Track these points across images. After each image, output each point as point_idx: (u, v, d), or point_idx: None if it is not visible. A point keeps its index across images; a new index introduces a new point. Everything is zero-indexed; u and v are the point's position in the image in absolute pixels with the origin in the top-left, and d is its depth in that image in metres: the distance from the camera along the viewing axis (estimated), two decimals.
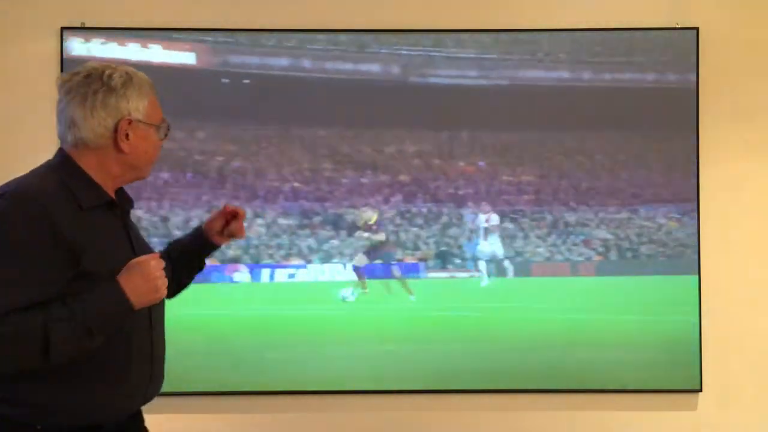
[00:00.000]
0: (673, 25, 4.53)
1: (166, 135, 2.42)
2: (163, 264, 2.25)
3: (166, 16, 4.50)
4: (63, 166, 2.30)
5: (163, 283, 2.24)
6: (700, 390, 4.48)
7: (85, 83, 2.28)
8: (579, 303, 4.66)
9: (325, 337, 4.55)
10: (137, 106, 2.32)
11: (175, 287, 2.71)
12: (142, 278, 2.20)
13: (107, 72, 2.30)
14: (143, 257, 2.24)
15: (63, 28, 4.44)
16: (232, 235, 2.74)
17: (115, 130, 2.29)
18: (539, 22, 4.56)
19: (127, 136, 2.30)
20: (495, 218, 4.64)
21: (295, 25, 4.54)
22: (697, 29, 4.51)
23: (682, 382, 4.49)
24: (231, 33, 4.56)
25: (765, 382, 4.54)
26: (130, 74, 2.33)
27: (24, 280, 2.13)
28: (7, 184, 2.25)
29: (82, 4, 4.47)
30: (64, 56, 4.40)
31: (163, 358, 2.47)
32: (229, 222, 2.71)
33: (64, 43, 4.42)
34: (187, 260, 2.73)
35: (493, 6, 4.57)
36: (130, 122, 2.30)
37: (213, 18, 4.51)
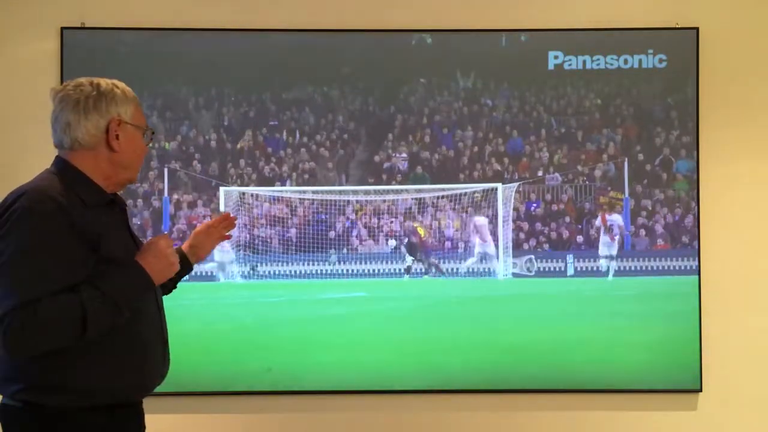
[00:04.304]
0: (673, 25, 4.53)
1: (150, 140, 2.66)
2: (172, 242, 2.56)
3: (166, 16, 4.50)
4: (63, 170, 2.51)
5: (175, 258, 2.52)
6: (700, 390, 4.48)
7: (77, 90, 2.51)
8: (579, 302, 4.66)
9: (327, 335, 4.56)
10: (125, 109, 2.55)
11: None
12: (156, 256, 2.48)
13: (95, 81, 2.54)
14: (153, 238, 2.53)
15: (63, 28, 4.44)
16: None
17: (107, 130, 2.51)
18: (538, 23, 4.57)
19: (117, 136, 2.53)
20: None
21: (295, 25, 4.54)
22: (697, 29, 4.51)
23: (682, 382, 4.49)
24: (231, 33, 4.56)
25: (765, 382, 4.54)
26: (116, 83, 2.58)
27: (55, 267, 2.35)
28: (22, 187, 2.45)
29: (82, 4, 4.48)
30: (64, 56, 4.40)
31: (168, 340, 2.69)
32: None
33: (64, 43, 4.42)
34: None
35: (492, 6, 4.58)
36: (119, 123, 2.53)
37: (213, 18, 4.51)
